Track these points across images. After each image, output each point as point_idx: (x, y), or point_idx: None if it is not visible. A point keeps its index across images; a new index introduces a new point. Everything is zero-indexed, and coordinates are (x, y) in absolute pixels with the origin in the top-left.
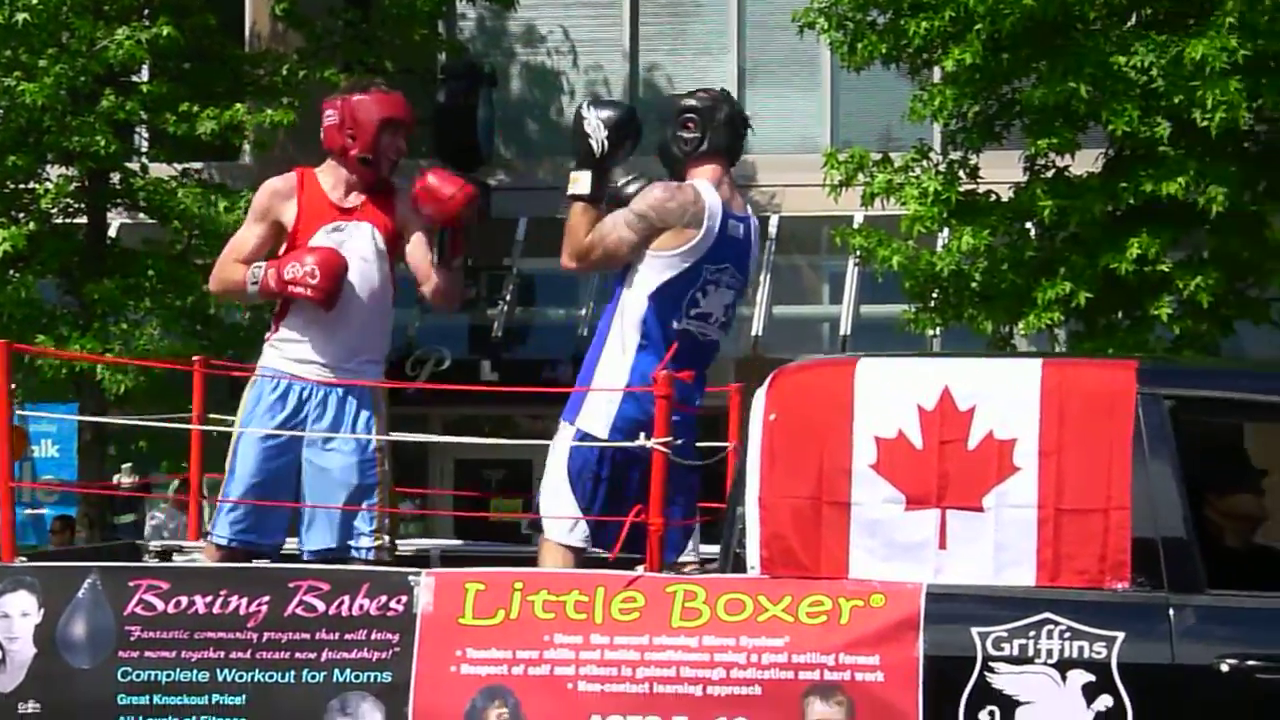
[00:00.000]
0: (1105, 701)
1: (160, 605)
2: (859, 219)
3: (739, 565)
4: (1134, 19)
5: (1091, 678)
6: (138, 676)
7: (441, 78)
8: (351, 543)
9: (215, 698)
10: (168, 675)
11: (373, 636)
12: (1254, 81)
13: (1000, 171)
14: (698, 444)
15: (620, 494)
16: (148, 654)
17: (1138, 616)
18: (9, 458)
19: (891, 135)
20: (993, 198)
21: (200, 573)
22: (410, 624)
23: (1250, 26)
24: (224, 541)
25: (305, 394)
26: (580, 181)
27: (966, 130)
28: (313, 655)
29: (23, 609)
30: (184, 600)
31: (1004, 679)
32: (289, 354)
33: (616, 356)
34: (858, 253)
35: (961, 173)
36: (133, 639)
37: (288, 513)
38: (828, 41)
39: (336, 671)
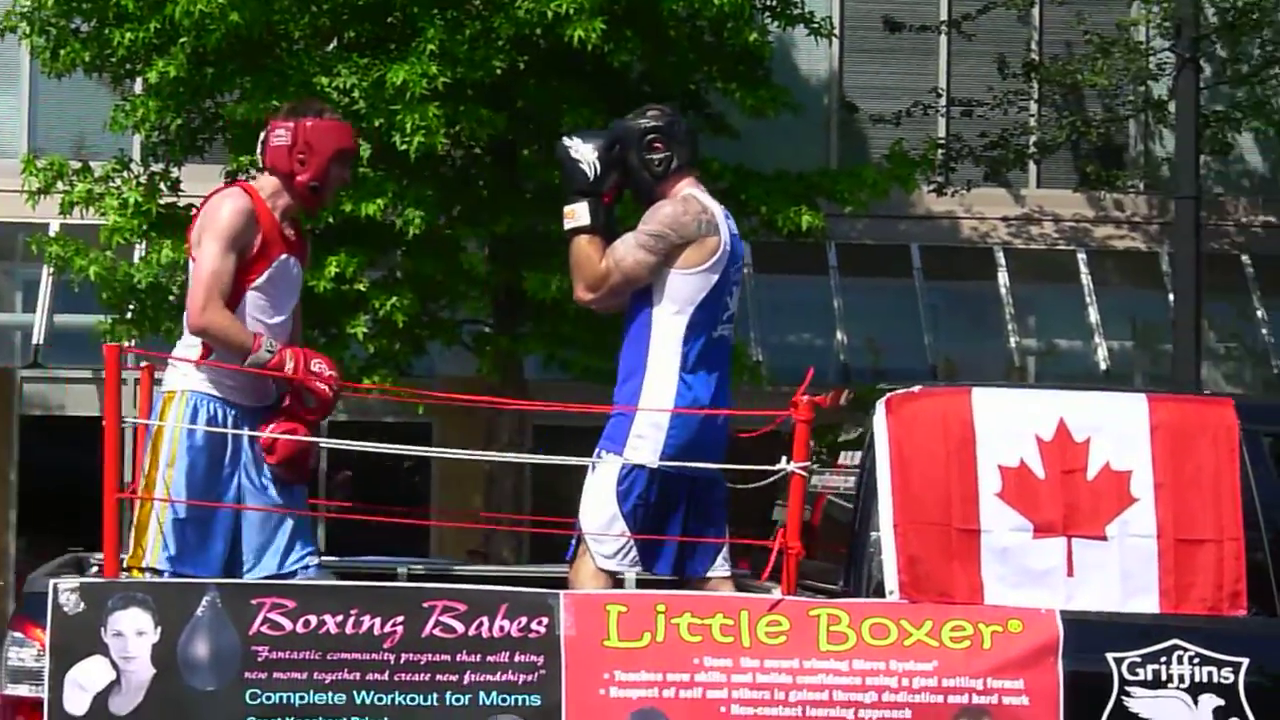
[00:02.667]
0: None
1: (288, 625)
2: (56, 227)
3: (878, 590)
4: (338, 41)
5: (1221, 702)
6: (268, 699)
7: None
8: (297, 565)
9: None
10: (301, 697)
11: (516, 658)
12: (452, 107)
13: (203, 185)
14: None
15: (664, 514)
16: (277, 675)
17: (1259, 643)
18: (118, 469)
19: (90, 144)
20: (193, 211)
21: (327, 591)
22: (554, 646)
23: (450, 54)
24: (164, 569)
25: (238, 422)
26: (578, 214)
27: (169, 142)
28: (455, 677)
29: (138, 627)
30: (313, 620)
31: (1140, 703)
32: (224, 379)
33: (661, 381)
34: (53, 261)
35: (163, 185)
36: (260, 659)
37: (228, 544)
38: (29, 46)
39: (482, 694)
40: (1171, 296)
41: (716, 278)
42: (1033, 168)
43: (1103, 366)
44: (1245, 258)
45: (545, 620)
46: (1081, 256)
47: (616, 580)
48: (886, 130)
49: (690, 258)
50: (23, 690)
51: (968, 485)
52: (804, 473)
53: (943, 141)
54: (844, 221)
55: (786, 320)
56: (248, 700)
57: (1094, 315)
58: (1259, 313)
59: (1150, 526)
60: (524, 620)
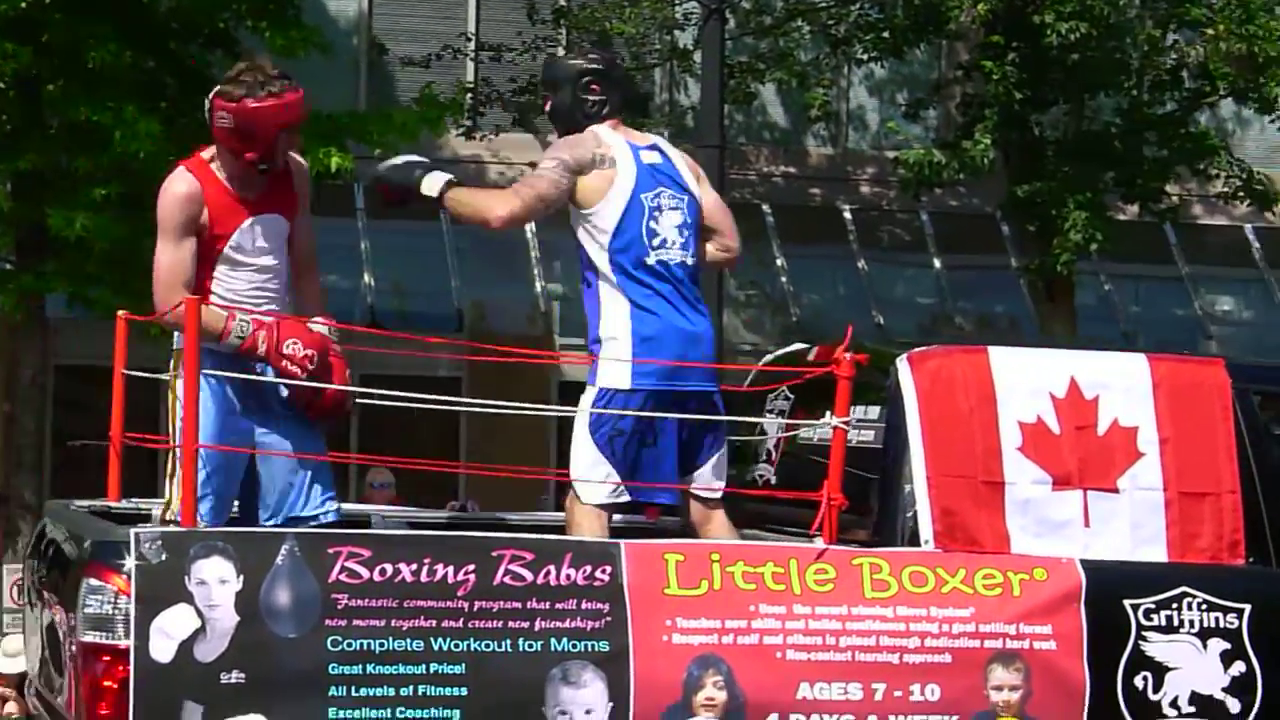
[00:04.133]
0: (1239, 667)
1: (365, 573)
2: None
3: (914, 538)
4: None
5: (1227, 646)
6: (348, 645)
7: None
8: (319, 511)
9: (434, 667)
10: (380, 644)
11: (584, 606)
12: None
13: None
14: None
15: (647, 441)
16: (356, 622)
17: (1260, 590)
18: (194, 421)
19: None
20: None
21: (400, 540)
22: (619, 593)
23: None
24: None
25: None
26: (434, 177)
27: None
28: (526, 624)
29: (220, 575)
30: (389, 568)
31: (1155, 647)
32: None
33: (611, 311)
34: None
35: None
36: (340, 607)
37: (235, 495)
38: None
39: (553, 640)
40: None
41: (625, 204)
42: None
43: None
44: (766, 207)
45: (609, 568)
46: None
47: (609, 515)
48: (416, 73)
49: (590, 196)
50: (100, 637)
51: (991, 440)
52: (845, 427)
53: (471, 86)
54: (373, 164)
55: None
56: (329, 647)
57: None
58: (779, 261)
59: (1157, 480)
60: (588, 569)
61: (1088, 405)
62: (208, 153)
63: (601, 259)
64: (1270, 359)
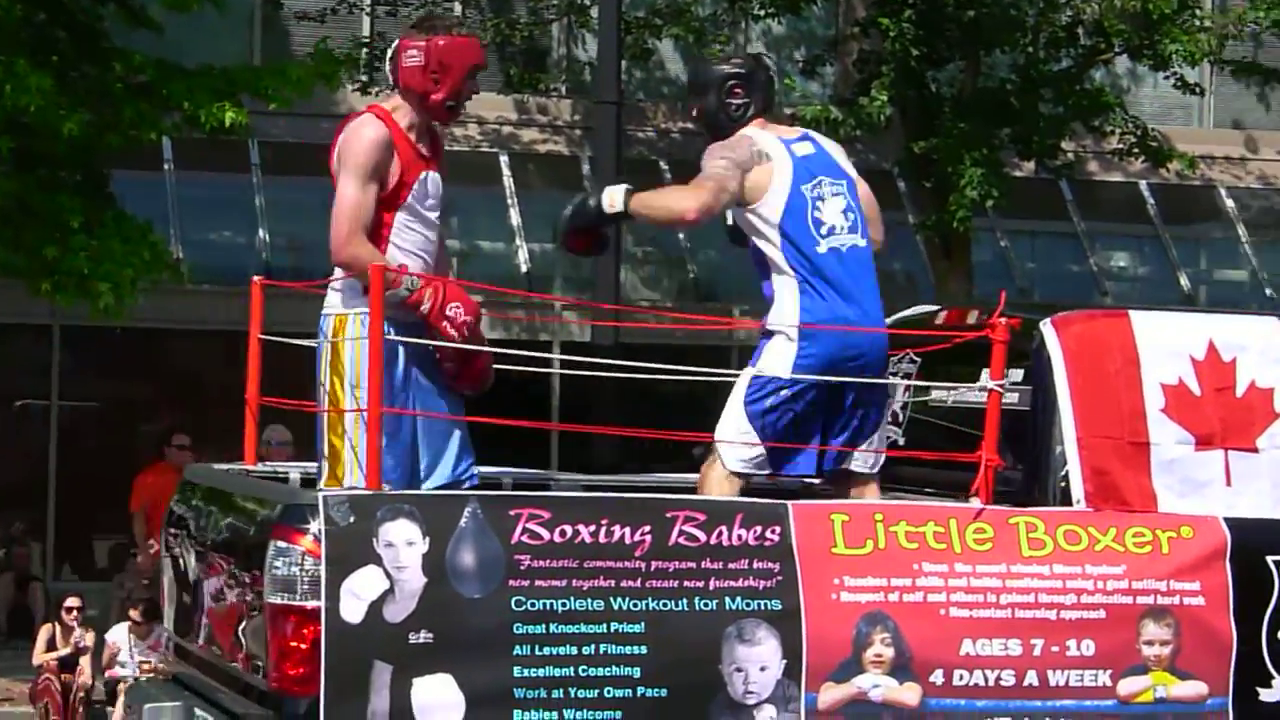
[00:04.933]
0: None
1: (545, 535)
2: None
3: (1065, 498)
4: None
5: None
6: (532, 605)
7: None
8: (465, 475)
9: (614, 626)
10: (562, 604)
11: (755, 565)
12: None
13: None
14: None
15: (800, 423)
16: (538, 583)
17: None
18: (380, 384)
19: None
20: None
21: (578, 502)
22: (789, 553)
23: None
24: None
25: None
26: (615, 193)
27: None
28: (701, 584)
29: (407, 538)
30: (568, 530)
31: None
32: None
33: (784, 302)
34: None
35: None
36: (523, 568)
37: (414, 455)
38: None
39: (728, 599)
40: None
41: (786, 197)
42: None
43: (524, 269)
44: (664, 163)
45: (778, 528)
46: (504, 159)
47: (747, 484)
48: (311, 27)
49: (753, 191)
50: (289, 598)
51: (1135, 401)
52: (1001, 390)
53: (368, 40)
54: (267, 119)
55: (209, 218)
56: (514, 607)
57: (515, 218)
58: None
59: None
60: (759, 529)
61: (1226, 367)
62: (389, 103)
63: (773, 251)
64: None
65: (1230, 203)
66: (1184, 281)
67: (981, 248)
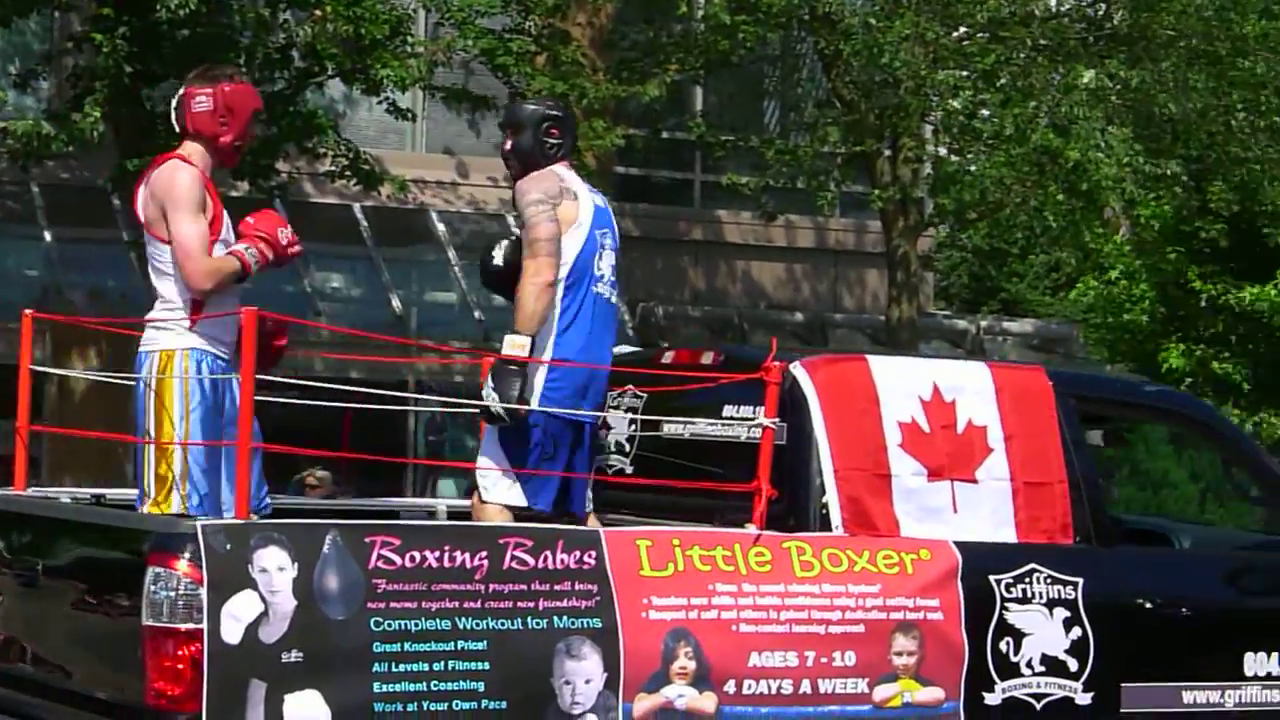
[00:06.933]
0: (1077, 632)
1: (398, 560)
2: None
3: (825, 524)
4: None
5: (1068, 614)
6: (389, 625)
7: None
8: (265, 501)
9: (460, 644)
10: (415, 624)
11: (577, 587)
12: None
13: None
14: None
15: (549, 454)
16: (393, 605)
17: (1089, 566)
18: (250, 417)
19: None
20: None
21: (423, 530)
22: (605, 576)
23: None
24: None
25: (226, 370)
26: (508, 342)
27: None
28: (533, 604)
29: (279, 563)
30: (417, 555)
31: (1015, 616)
32: (205, 333)
33: (544, 335)
34: None
35: None
36: (379, 591)
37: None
38: None
39: (555, 619)
40: None
41: (584, 236)
42: None
43: None
44: None
45: (594, 553)
46: None
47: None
48: None
49: (560, 223)
50: (168, 621)
51: (878, 437)
52: (774, 426)
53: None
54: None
55: None
56: (372, 627)
57: None
58: None
59: (1005, 471)
60: (578, 553)
61: (948, 406)
62: (184, 149)
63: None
64: (828, 350)
65: (442, 226)
66: (396, 303)
67: None
